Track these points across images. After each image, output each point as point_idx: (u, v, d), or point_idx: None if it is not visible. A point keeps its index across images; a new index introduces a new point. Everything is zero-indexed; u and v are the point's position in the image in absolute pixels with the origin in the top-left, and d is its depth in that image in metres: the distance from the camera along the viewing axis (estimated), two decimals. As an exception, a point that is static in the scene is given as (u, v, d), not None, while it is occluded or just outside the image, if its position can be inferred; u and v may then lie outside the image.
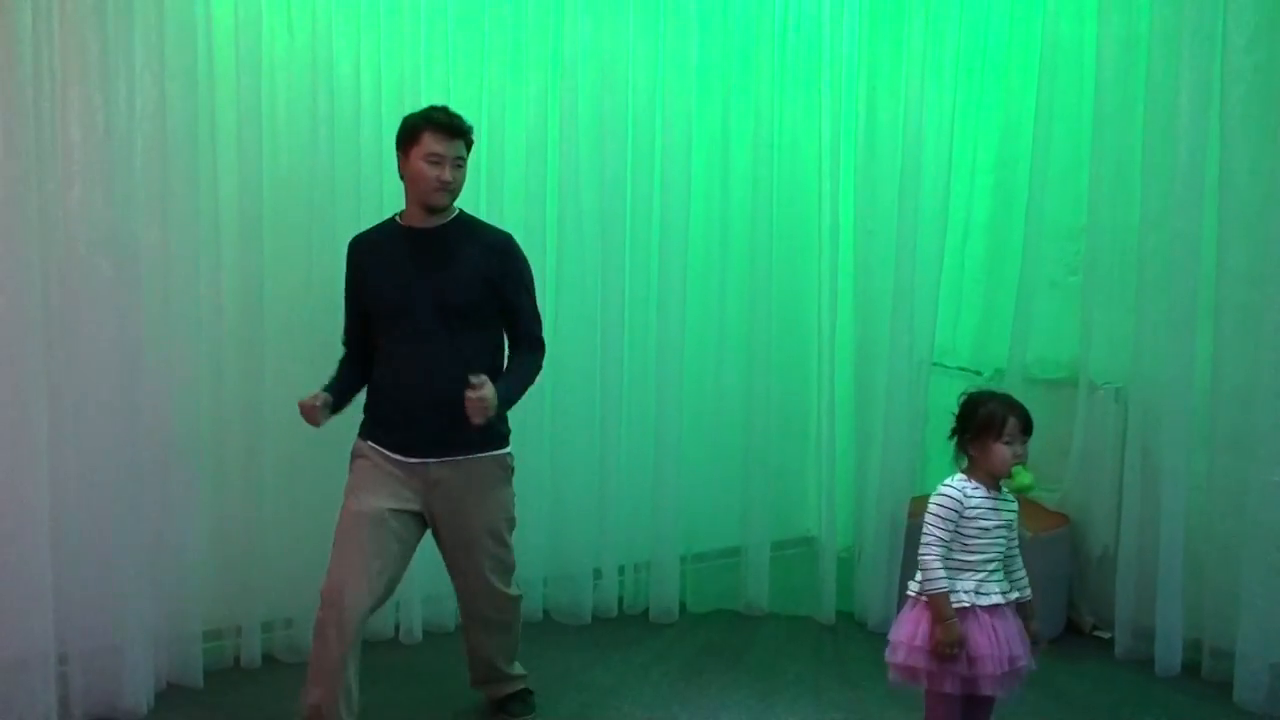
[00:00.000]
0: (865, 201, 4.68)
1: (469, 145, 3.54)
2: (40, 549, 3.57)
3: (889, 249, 4.62)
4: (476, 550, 3.60)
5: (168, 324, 3.85)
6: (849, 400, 4.81)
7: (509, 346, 3.67)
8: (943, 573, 3.14)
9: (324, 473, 3.86)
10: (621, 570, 4.83)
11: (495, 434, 3.58)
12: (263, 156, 3.98)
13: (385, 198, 4.01)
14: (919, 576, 3.19)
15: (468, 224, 3.62)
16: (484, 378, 3.35)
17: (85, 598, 3.73)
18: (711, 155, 4.73)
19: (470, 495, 3.57)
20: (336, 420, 3.55)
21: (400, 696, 3.99)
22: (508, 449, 3.65)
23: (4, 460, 3.54)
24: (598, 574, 4.76)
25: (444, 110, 3.51)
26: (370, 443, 3.53)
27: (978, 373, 4.87)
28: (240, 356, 4.04)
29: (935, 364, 4.75)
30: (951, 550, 3.16)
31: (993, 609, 3.16)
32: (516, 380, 3.58)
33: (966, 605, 3.13)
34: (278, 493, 4.12)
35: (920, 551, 3.18)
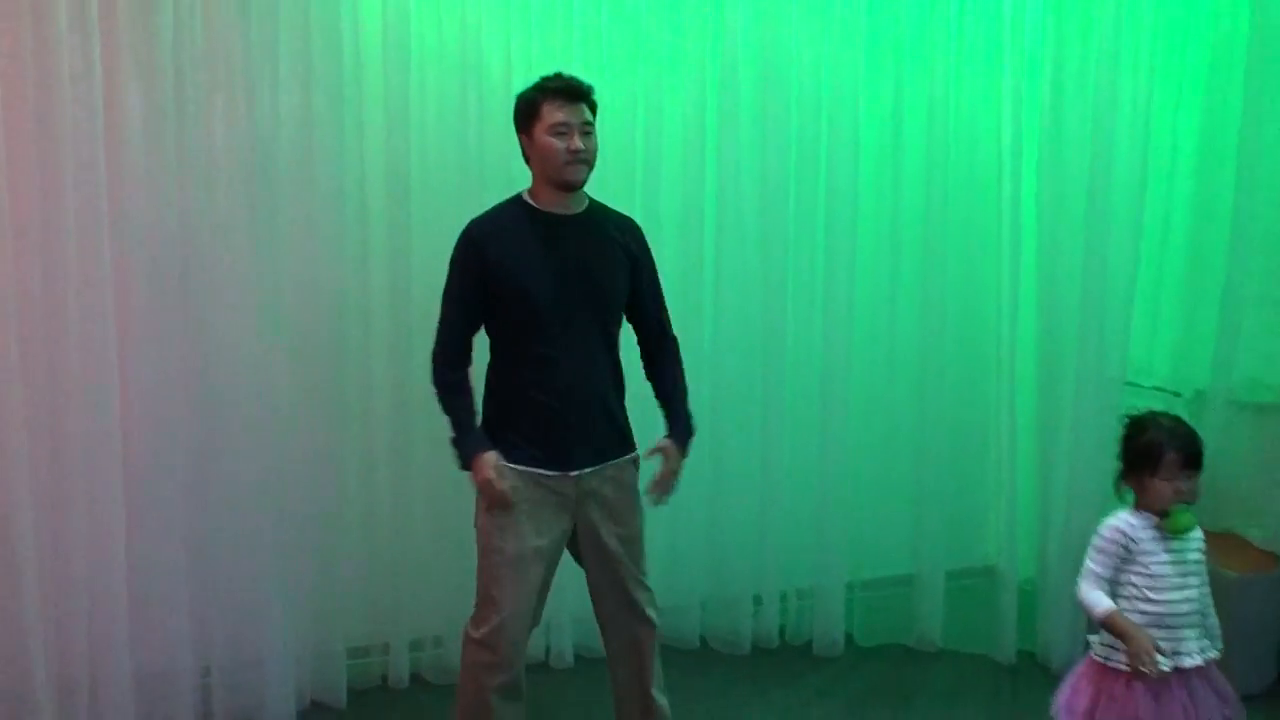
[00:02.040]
0: (1050, 204, 4.28)
1: (593, 109, 3.20)
2: (179, 559, 3.49)
3: (1076, 256, 4.23)
4: (624, 564, 3.29)
5: (315, 335, 3.74)
6: (1032, 420, 4.43)
7: (640, 339, 3.42)
8: (1101, 593, 2.80)
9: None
10: (784, 596, 4.53)
11: (629, 430, 3.35)
12: (410, 162, 3.82)
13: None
14: (1101, 636, 2.82)
15: (601, 209, 3.33)
16: (669, 442, 3.24)
17: (226, 610, 3.65)
18: (881, 155, 4.40)
19: (621, 503, 3.29)
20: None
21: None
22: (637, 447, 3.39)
23: (146, 467, 3.47)
24: (758, 600, 4.48)
25: (558, 75, 3.20)
26: (512, 465, 3.17)
27: (1176, 394, 4.41)
28: (389, 368, 3.88)
29: (1129, 383, 4.35)
30: (1134, 601, 2.80)
31: (1190, 672, 2.76)
32: (685, 396, 3.37)
33: (1165, 669, 2.73)
34: (428, 504, 3.94)
35: (1078, 588, 2.86)
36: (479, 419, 3.23)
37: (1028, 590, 4.52)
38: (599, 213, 3.31)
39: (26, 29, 3.19)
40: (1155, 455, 2.83)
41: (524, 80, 3.85)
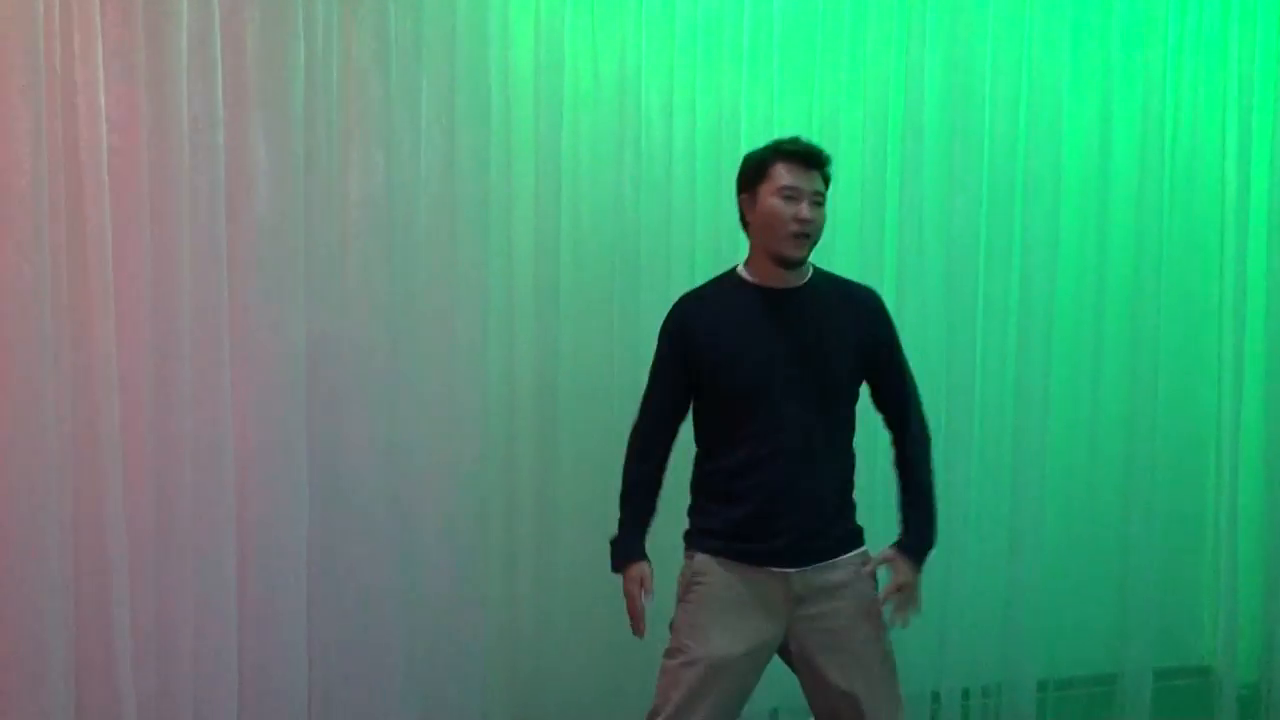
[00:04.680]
0: None
1: (827, 181, 2.86)
2: (298, 640, 3.14)
3: None
4: (860, 699, 2.81)
5: (453, 403, 3.30)
6: (1257, 501, 3.96)
7: (891, 430, 3.00)
8: None
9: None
10: (966, 695, 3.98)
11: (858, 531, 2.91)
12: (561, 216, 3.39)
13: (697, 264, 3.41)
14: None
15: (828, 279, 2.94)
16: (893, 552, 2.87)
17: (348, 694, 3.25)
18: (1085, 213, 3.89)
19: (843, 604, 2.83)
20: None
21: None
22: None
23: (266, 541, 3.10)
24: (935, 698, 3.94)
25: (794, 139, 2.87)
26: (714, 557, 2.80)
27: None
28: (534, 440, 3.45)
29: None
30: None
31: None
32: (925, 501, 2.94)
33: None
34: (572, 585, 3.49)
35: None
36: (649, 524, 2.92)
37: (1247, 695, 4.01)
38: (825, 283, 2.92)
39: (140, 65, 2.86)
40: None
41: (686, 122, 3.49)
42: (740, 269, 2.90)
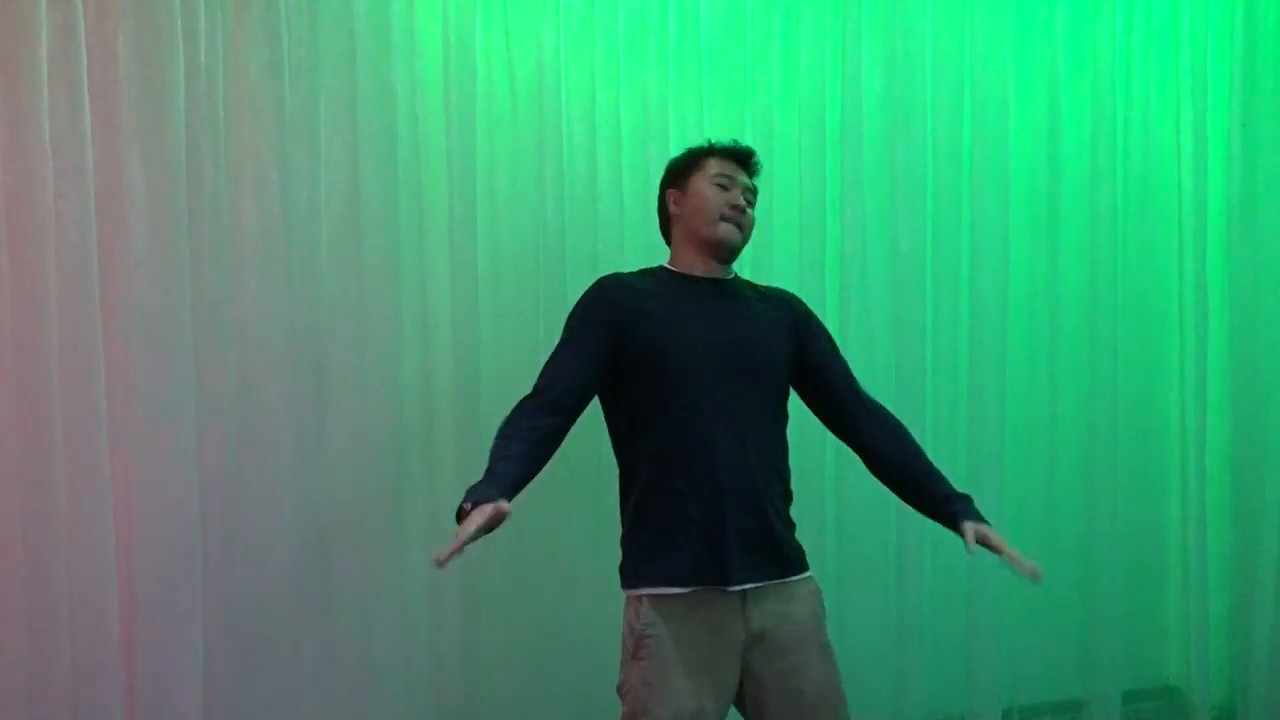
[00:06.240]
0: (1244, 271, 3.60)
1: (755, 191, 2.74)
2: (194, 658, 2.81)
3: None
4: None
5: (366, 440, 3.01)
6: (1224, 518, 3.73)
7: (839, 414, 2.76)
8: None
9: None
10: (927, 727, 3.76)
11: (802, 547, 2.65)
12: (478, 236, 3.10)
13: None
14: None
15: (750, 283, 2.80)
16: (972, 525, 2.54)
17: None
18: (1035, 216, 3.67)
19: (804, 644, 2.56)
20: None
21: None
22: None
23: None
24: (897, 731, 3.71)
25: (729, 141, 2.77)
26: (657, 590, 2.46)
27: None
28: (456, 478, 3.14)
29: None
30: None
31: None
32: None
33: None
34: (497, 624, 3.19)
35: None
36: (528, 479, 2.38)
37: (1221, 717, 3.78)
38: (749, 285, 2.78)
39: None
40: None
41: (611, 132, 3.23)
42: (665, 264, 2.75)
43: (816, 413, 2.80)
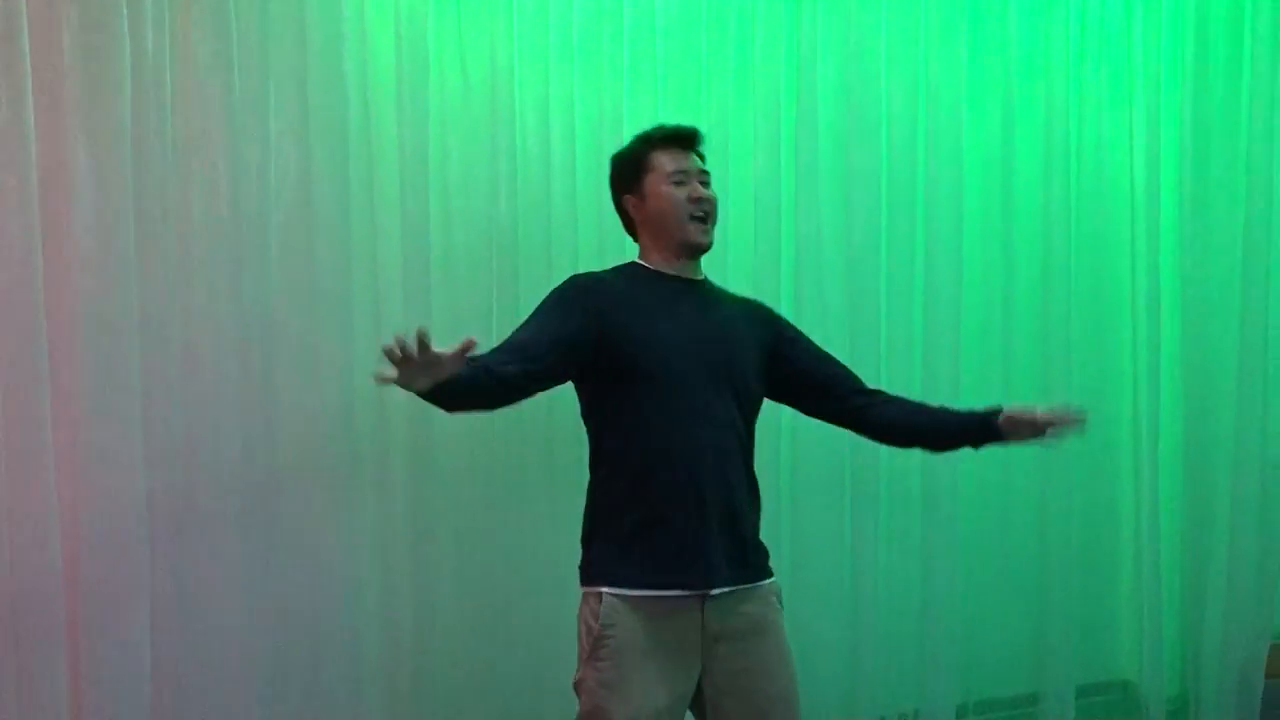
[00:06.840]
0: (1196, 262, 3.61)
1: (703, 159, 2.68)
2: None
3: (1231, 322, 3.56)
4: None
5: (314, 440, 2.95)
6: (1177, 512, 3.76)
7: (841, 407, 2.80)
8: None
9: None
10: (881, 722, 3.75)
11: (766, 552, 2.62)
12: (430, 231, 3.05)
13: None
14: None
15: (723, 289, 2.78)
16: (1006, 415, 2.62)
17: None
18: (989, 207, 3.66)
19: (762, 645, 2.54)
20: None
21: None
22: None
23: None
24: (850, 729, 3.69)
25: (660, 126, 2.71)
26: (624, 590, 2.42)
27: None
28: (410, 480, 3.09)
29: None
30: None
31: None
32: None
33: None
34: (451, 602, 3.13)
35: None
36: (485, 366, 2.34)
37: (1175, 709, 3.81)
38: (718, 288, 2.76)
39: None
40: None
41: (565, 125, 3.19)
42: (637, 260, 2.68)
43: (817, 413, 2.81)
